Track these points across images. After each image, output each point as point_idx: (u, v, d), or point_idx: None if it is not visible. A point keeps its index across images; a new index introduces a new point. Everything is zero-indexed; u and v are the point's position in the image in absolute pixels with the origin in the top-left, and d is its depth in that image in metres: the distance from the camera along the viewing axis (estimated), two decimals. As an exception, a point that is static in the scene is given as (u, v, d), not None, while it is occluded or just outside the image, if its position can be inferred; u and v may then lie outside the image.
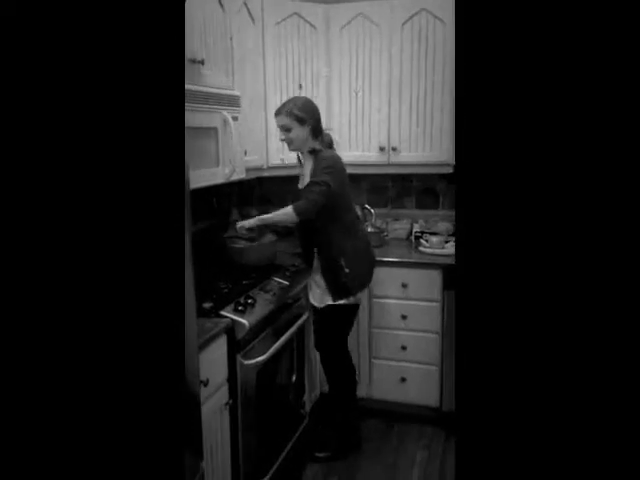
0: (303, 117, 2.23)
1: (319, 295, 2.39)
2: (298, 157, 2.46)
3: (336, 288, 2.32)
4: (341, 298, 2.33)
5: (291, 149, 2.34)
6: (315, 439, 2.59)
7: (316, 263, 2.40)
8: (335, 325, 2.42)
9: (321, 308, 2.39)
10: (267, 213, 2.33)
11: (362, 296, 2.47)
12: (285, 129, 2.26)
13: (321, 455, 2.51)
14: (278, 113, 2.27)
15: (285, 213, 2.20)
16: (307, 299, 2.52)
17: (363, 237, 2.46)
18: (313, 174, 2.25)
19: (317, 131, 2.29)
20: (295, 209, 2.17)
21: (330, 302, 2.34)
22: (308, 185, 2.23)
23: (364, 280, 2.43)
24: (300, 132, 2.24)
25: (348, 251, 2.30)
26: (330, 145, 2.38)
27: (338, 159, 2.32)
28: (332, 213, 2.27)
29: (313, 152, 2.30)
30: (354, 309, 2.43)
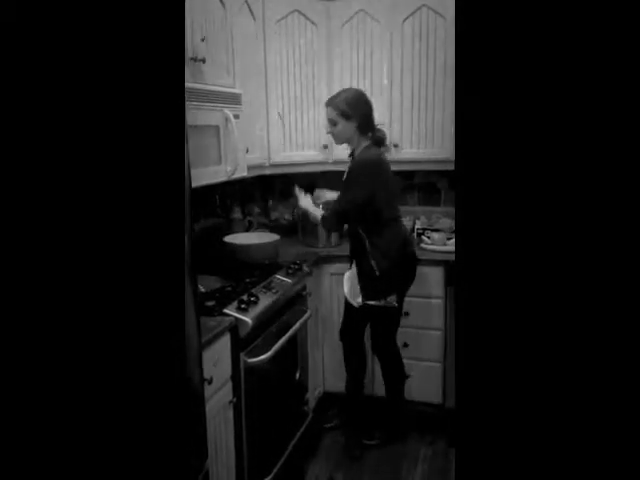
0: (349, 113, 2.20)
1: (354, 293, 2.38)
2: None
3: (366, 289, 2.33)
4: (371, 299, 2.33)
5: (337, 143, 2.35)
6: (363, 428, 2.62)
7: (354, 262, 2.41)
8: (368, 324, 2.46)
9: (355, 306, 2.40)
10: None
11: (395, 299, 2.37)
12: (332, 123, 2.24)
13: (372, 442, 2.57)
14: (327, 105, 2.26)
15: (315, 217, 2.37)
16: (310, 296, 2.52)
17: (400, 239, 2.35)
18: (345, 183, 2.26)
19: (366, 127, 2.25)
20: (322, 221, 2.32)
21: (359, 301, 2.35)
22: (338, 199, 2.30)
23: (396, 283, 2.34)
24: (345, 127, 2.23)
25: (380, 254, 2.26)
26: (380, 142, 2.31)
27: (373, 164, 2.23)
28: (364, 219, 2.27)
29: (352, 154, 2.32)
30: (389, 311, 2.36)
